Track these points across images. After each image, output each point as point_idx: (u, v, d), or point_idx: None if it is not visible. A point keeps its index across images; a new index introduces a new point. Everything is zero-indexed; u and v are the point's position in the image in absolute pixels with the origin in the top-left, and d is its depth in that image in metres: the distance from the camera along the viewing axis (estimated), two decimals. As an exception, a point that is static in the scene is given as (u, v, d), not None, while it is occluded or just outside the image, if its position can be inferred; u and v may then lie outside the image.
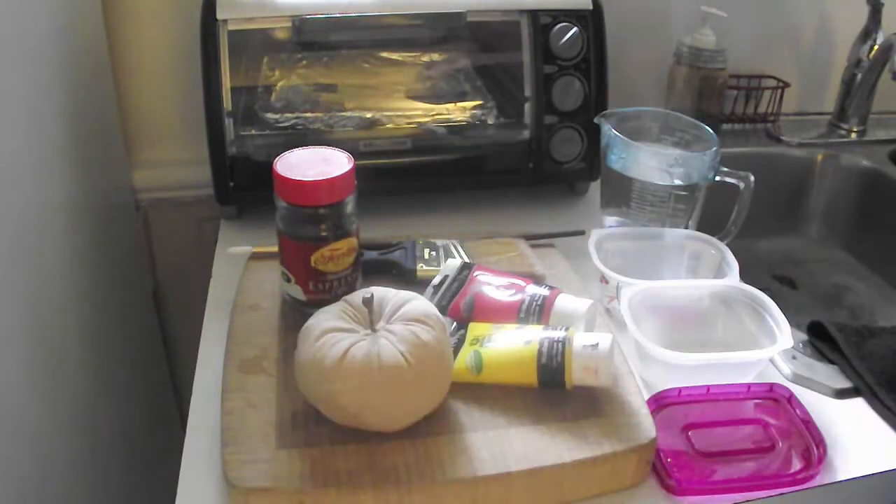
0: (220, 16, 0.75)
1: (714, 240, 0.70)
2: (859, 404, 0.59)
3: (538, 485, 0.48)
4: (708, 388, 0.56)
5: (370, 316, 0.50)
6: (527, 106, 0.82)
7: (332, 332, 0.49)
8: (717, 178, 0.72)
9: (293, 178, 0.56)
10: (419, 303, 0.52)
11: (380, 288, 0.53)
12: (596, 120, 0.75)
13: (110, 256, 0.89)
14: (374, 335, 0.49)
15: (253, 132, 0.79)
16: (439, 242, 0.71)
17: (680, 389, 0.56)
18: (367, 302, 0.50)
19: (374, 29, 0.82)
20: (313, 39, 0.84)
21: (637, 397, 0.53)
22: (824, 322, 0.65)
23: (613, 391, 0.54)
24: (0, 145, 0.60)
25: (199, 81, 0.76)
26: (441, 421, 0.51)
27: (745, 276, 0.65)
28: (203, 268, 0.75)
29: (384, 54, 0.88)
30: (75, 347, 0.76)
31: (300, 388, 0.50)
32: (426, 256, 0.69)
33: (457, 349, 0.56)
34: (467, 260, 0.67)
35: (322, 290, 0.60)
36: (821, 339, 0.65)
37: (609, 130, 0.72)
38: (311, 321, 0.51)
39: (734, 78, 1.06)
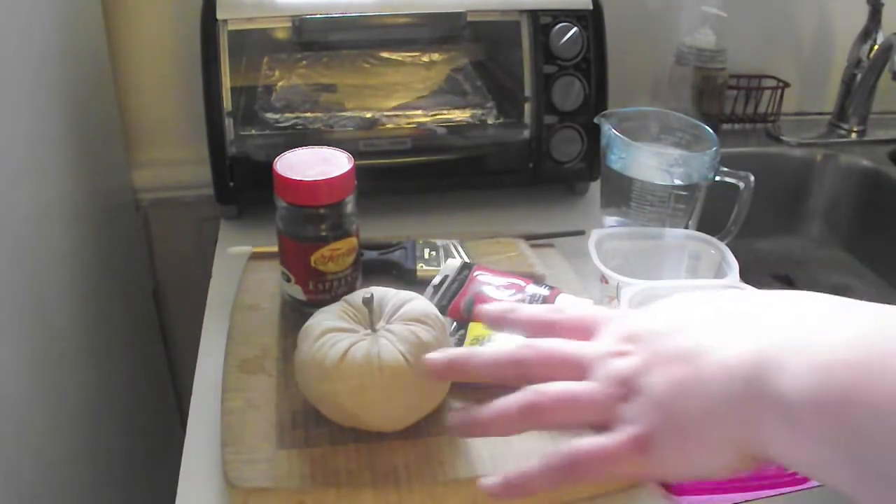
0: (220, 16, 0.75)
1: (714, 240, 0.69)
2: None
3: (538, 485, 0.48)
4: (708, 388, 0.56)
5: (370, 316, 0.50)
6: (527, 106, 0.82)
7: (332, 331, 0.49)
8: (717, 178, 0.72)
9: (293, 178, 0.56)
10: (419, 303, 0.52)
11: (380, 288, 0.53)
12: (596, 120, 0.75)
13: (110, 256, 0.89)
14: (374, 335, 0.49)
15: (253, 132, 0.79)
16: (439, 242, 0.71)
17: (680, 389, 0.56)
18: (367, 302, 0.50)
19: (374, 29, 0.82)
20: (313, 39, 0.84)
21: (637, 397, 0.53)
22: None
23: (613, 391, 0.53)
24: (0, 145, 0.60)
25: (199, 81, 0.76)
26: (441, 421, 0.51)
27: (745, 276, 0.65)
28: (203, 268, 0.75)
29: (384, 54, 0.88)
30: (75, 347, 0.76)
31: (300, 387, 0.50)
32: (426, 256, 0.69)
33: (457, 349, 0.56)
34: (467, 260, 0.67)
35: (322, 290, 0.60)
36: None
37: (609, 130, 0.72)
38: (311, 321, 0.51)
39: (734, 78, 1.06)
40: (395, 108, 0.83)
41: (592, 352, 0.39)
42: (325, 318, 0.50)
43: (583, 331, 0.41)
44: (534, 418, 0.38)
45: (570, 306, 0.43)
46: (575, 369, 0.38)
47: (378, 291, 0.52)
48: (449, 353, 0.42)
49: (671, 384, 0.35)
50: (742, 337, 0.34)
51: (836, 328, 0.31)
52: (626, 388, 0.36)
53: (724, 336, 0.34)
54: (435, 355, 0.42)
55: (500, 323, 0.44)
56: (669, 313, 0.39)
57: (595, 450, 0.36)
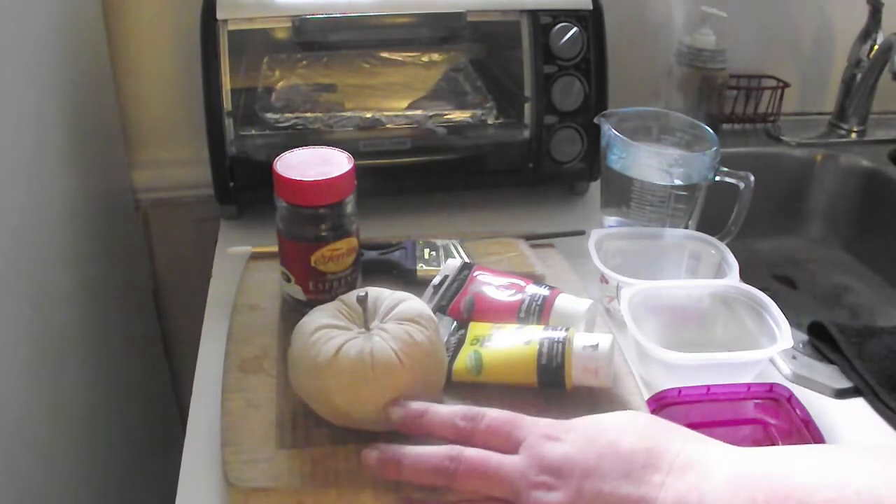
0: (220, 16, 0.75)
1: (714, 240, 0.70)
2: (859, 404, 0.59)
3: (538, 485, 0.48)
4: (708, 388, 0.56)
5: (364, 315, 0.50)
6: (527, 106, 0.82)
7: (325, 328, 0.49)
8: (717, 178, 0.72)
9: (293, 178, 0.56)
10: (413, 303, 0.52)
11: (374, 288, 0.53)
12: (596, 120, 0.75)
13: (110, 256, 0.89)
14: (368, 334, 0.49)
15: (253, 132, 0.79)
16: (439, 242, 0.71)
17: (680, 389, 0.56)
18: (362, 300, 0.50)
19: (374, 29, 0.82)
20: (313, 39, 0.84)
21: (637, 397, 0.53)
22: (825, 322, 0.65)
23: (613, 391, 0.54)
24: (0, 145, 0.60)
25: (199, 81, 0.76)
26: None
27: (745, 276, 0.65)
28: (203, 268, 0.75)
29: (384, 54, 0.88)
30: (75, 347, 0.76)
31: (292, 384, 0.50)
32: (426, 256, 0.69)
33: (457, 349, 0.56)
34: (467, 260, 0.67)
35: (322, 290, 0.60)
36: (821, 339, 0.65)
37: (609, 130, 0.72)
38: (306, 318, 0.51)
39: (734, 78, 1.06)
40: (395, 109, 0.83)
41: (515, 472, 0.40)
42: (319, 316, 0.50)
43: (501, 437, 0.43)
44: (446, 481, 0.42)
45: (488, 413, 0.44)
46: (499, 486, 0.41)
47: (373, 291, 0.52)
48: (384, 450, 0.45)
49: None
50: (664, 486, 0.37)
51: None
52: None
53: (649, 485, 0.37)
54: (370, 452, 0.45)
55: (410, 428, 0.46)
56: (592, 444, 0.40)
57: None
